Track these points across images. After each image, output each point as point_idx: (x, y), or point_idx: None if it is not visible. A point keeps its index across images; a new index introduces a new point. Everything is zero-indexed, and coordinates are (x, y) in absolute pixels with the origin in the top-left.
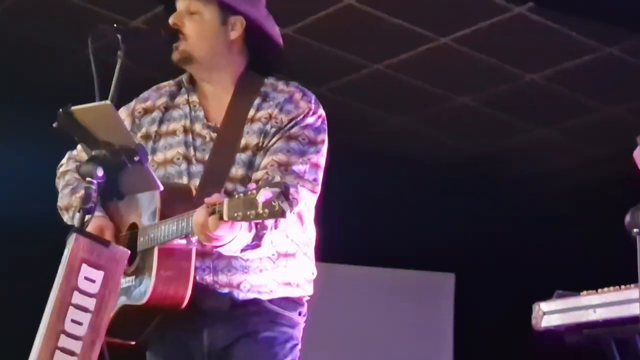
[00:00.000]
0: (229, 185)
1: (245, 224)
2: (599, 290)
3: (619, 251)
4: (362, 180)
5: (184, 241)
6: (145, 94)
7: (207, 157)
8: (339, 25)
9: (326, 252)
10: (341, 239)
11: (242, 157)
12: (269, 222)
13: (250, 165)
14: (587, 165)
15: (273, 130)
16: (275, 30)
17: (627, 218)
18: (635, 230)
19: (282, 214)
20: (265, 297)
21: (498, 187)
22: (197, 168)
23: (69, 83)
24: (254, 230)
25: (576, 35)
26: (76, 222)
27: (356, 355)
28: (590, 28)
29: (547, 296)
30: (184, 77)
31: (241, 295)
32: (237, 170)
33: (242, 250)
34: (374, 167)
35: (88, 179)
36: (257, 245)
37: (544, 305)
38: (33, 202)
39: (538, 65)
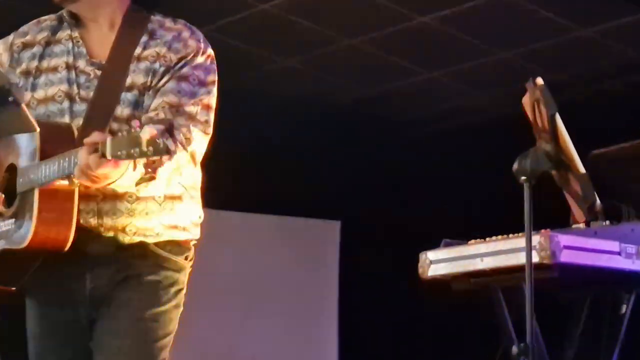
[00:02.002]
0: (114, 125)
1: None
2: (487, 239)
3: (507, 199)
4: (249, 124)
5: (65, 182)
6: (24, 28)
7: (91, 95)
8: None
9: (212, 198)
10: (227, 185)
11: (128, 96)
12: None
13: (137, 105)
14: (477, 109)
15: (162, 69)
16: None
17: (515, 165)
18: (522, 177)
19: (167, 151)
20: (151, 240)
21: (385, 131)
22: (80, 107)
23: None
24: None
25: None
26: None
27: (241, 302)
28: None
29: (434, 245)
30: (64, 12)
31: (127, 238)
32: (122, 110)
33: (138, 184)
34: (261, 110)
35: None
36: (152, 178)
37: (431, 254)
38: None
39: (428, 8)
